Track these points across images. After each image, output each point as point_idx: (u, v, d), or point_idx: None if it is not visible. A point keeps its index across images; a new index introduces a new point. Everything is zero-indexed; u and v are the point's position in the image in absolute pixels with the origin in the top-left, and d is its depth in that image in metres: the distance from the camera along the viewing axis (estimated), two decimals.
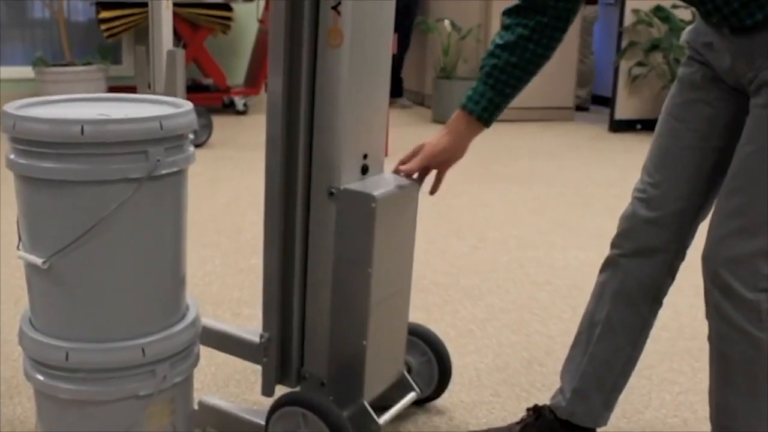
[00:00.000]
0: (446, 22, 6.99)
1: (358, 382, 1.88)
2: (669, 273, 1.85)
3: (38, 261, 1.50)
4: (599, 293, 1.91)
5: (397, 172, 1.90)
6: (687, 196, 1.76)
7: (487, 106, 1.78)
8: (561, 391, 1.97)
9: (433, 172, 1.91)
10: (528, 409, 2.04)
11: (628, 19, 6.74)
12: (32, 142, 1.44)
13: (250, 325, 2.69)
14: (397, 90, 7.73)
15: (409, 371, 2.15)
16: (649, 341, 1.94)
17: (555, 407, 1.97)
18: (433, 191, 1.90)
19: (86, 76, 6.34)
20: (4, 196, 4.03)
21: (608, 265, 1.91)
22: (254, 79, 6.93)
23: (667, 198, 1.77)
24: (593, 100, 8.40)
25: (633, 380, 2.36)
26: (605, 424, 1.95)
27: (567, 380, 1.96)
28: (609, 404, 1.94)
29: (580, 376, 1.93)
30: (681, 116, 1.75)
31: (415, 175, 1.90)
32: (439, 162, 1.87)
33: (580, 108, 7.99)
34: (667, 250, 1.82)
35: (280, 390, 1.96)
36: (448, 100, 6.97)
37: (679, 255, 1.84)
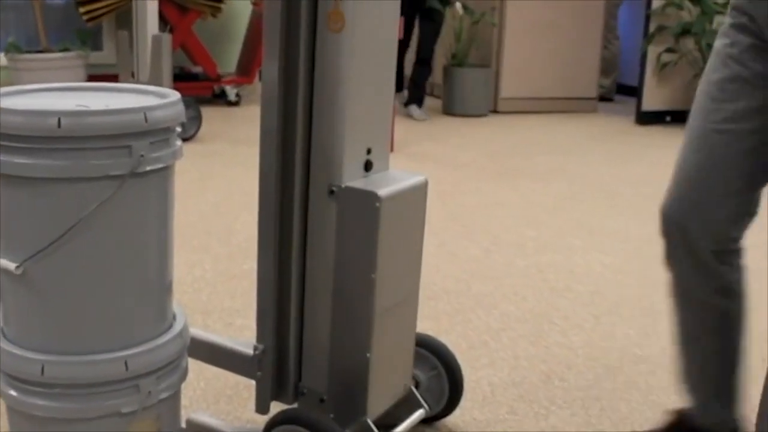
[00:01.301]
0: (458, 5, 6.99)
1: (361, 398, 1.87)
2: (731, 263, 1.82)
3: (11, 266, 1.50)
4: (673, 294, 1.89)
5: None
6: (726, 185, 1.74)
7: None
8: (690, 398, 1.96)
9: None
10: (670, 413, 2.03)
11: (657, 1, 6.73)
12: (4, 136, 1.44)
13: (242, 336, 2.69)
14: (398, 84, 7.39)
15: (417, 386, 2.15)
16: None
17: (688, 414, 1.96)
18: None
19: (64, 64, 6.36)
20: None
21: (666, 262, 1.87)
22: (247, 66, 6.93)
23: (705, 192, 1.75)
24: (618, 90, 8.40)
25: (663, 398, 2.36)
26: (738, 426, 1.94)
27: (690, 387, 1.94)
28: (733, 404, 1.92)
29: (701, 379, 1.91)
30: (717, 96, 1.73)
31: None
32: None
33: (603, 98, 7.99)
34: (718, 251, 1.80)
35: (276, 407, 1.96)
36: (460, 89, 6.97)
37: (738, 252, 1.81)
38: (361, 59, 1.78)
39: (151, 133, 1.50)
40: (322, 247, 1.85)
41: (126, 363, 1.54)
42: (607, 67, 8.01)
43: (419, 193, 1.91)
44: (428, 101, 7.67)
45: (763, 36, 1.62)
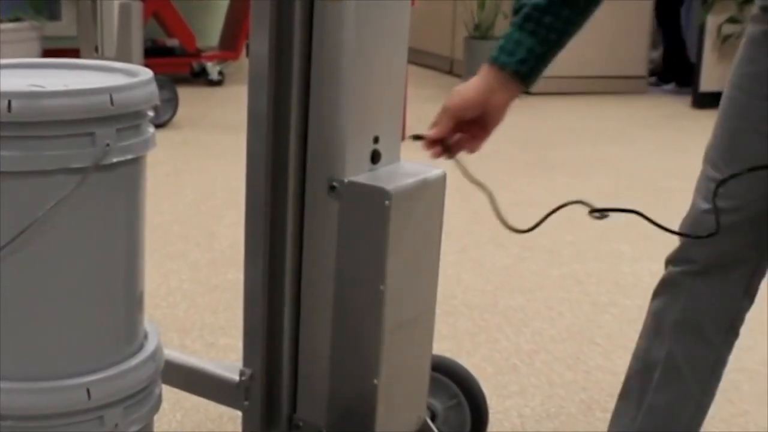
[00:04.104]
0: None
1: (367, 431, 1.88)
2: (747, 293, 1.86)
3: None
4: (655, 326, 1.92)
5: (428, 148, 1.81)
6: (766, 193, 1.76)
7: (527, 58, 1.72)
8: None
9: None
10: None
11: None
12: None
13: (227, 358, 2.69)
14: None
15: (433, 418, 2.15)
16: (744, 380, 1.93)
17: None
18: (453, 154, 1.82)
19: (15, 37, 6.36)
20: None
21: (666, 287, 1.91)
22: (232, 39, 6.93)
23: (740, 197, 1.77)
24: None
25: (723, 429, 2.35)
26: None
27: None
28: None
29: None
30: (751, 89, 1.75)
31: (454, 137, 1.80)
32: (468, 121, 1.79)
33: (655, 76, 7.98)
34: (744, 264, 1.83)
35: None
36: None
37: (759, 270, 1.85)
38: (367, 31, 1.78)
39: (118, 118, 1.50)
40: (321, 253, 1.85)
41: (88, 390, 1.54)
42: (659, 39, 8.00)
43: (436, 189, 1.91)
44: (447, 80, 7.66)
45: None
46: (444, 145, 1.79)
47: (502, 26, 7.09)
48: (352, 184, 1.80)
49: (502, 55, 1.74)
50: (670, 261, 1.92)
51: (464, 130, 1.80)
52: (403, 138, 1.95)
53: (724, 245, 1.81)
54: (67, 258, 1.51)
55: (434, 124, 1.80)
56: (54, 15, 7.17)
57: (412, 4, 1.94)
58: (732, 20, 6.71)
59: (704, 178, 1.85)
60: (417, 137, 1.83)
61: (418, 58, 7.99)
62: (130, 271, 1.61)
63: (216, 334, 2.88)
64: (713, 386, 1.92)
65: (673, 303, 1.89)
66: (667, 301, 1.90)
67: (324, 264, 1.85)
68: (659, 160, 5.35)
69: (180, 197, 4.31)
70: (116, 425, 1.58)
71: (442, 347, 2.75)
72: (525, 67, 1.72)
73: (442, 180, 1.92)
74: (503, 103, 1.78)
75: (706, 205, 1.83)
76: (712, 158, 1.84)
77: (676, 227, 1.88)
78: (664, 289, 1.92)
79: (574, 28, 1.72)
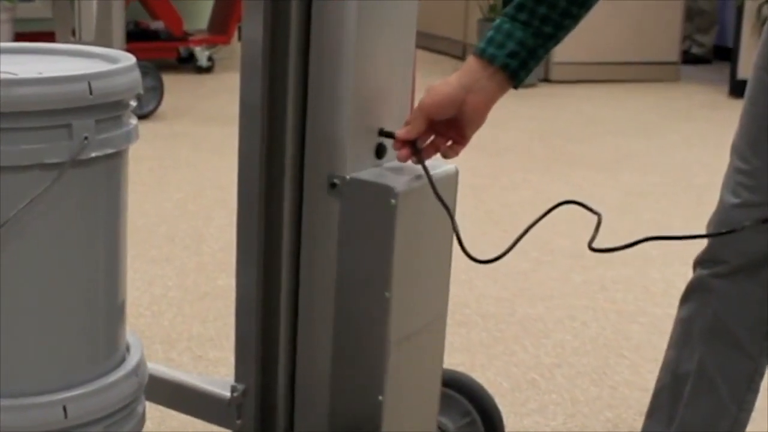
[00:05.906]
0: None
1: None
2: None
3: None
4: (684, 334, 1.92)
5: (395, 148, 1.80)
6: None
7: (517, 51, 1.68)
8: None
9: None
10: None
11: None
12: None
13: (217, 372, 2.69)
14: None
15: None
16: None
17: None
18: (423, 158, 1.79)
19: None
20: None
21: (695, 291, 1.91)
22: (223, 22, 6.94)
23: None
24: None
25: None
26: None
27: None
28: None
29: None
30: None
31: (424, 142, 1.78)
32: (445, 123, 1.76)
33: (699, 60, 8.00)
34: None
35: None
36: None
37: None
38: (371, 13, 1.78)
39: (97, 108, 1.50)
40: (321, 257, 1.85)
41: (65, 408, 1.54)
42: (704, 21, 8.01)
43: (447, 186, 1.91)
44: (460, 66, 7.66)
45: None
46: (414, 148, 1.77)
47: None
48: (354, 181, 1.80)
49: (490, 47, 1.70)
50: (699, 263, 1.92)
51: (441, 133, 1.78)
52: None
53: (756, 243, 1.81)
54: (41, 262, 1.51)
55: (406, 123, 1.78)
56: None
57: None
58: None
59: (731, 170, 1.86)
60: (387, 134, 1.82)
61: (428, 42, 8.00)
62: (111, 277, 1.61)
63: (205, 346, 2.88)
64: (750, 400, 1.92)
65: (703, 309, 1.89)
66: (697, 306, 1.90)
67: (324, 269, 1.86)
68: (693, 154, 5.35)
69: (166, 195, 4.32)
70: None
71: (454, 360, 2.75)
72: (515, 61, 1.69)
73: (453, 177, 1.92)
74: (482, 104, 1.74)
75: (734, 200, 1.84)
76: (739, 148, 1.84)
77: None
78: (692, 293, 1.92)
79: (571, 22, 1.69)
